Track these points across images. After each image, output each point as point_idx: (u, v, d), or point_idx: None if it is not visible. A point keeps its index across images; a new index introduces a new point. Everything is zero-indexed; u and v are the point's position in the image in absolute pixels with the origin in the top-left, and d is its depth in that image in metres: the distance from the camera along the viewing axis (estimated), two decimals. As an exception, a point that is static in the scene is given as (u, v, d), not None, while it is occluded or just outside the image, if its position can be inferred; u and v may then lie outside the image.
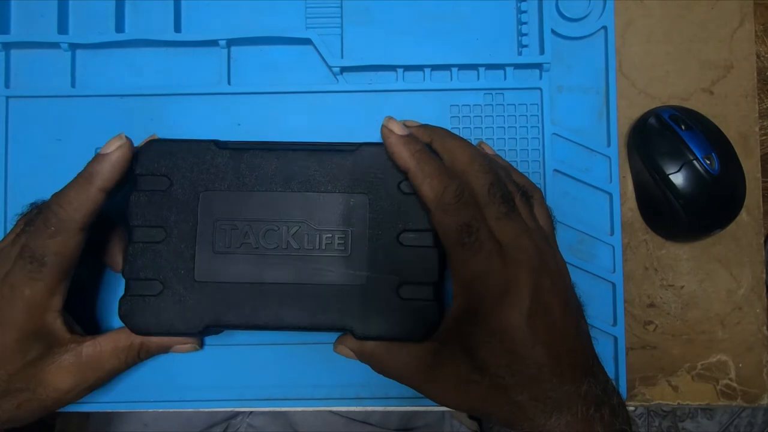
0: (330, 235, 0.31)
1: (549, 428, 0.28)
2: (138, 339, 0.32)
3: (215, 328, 0.32)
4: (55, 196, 0.30)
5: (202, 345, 0.35)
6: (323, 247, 0.31)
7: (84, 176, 0.30)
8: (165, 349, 0.34)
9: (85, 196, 0.30)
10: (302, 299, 0.31)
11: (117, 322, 0.36)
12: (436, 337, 0.31)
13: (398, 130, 0.31)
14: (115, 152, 0.30)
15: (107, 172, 0.30)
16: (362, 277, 0.31)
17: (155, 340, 0.33)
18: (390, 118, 0.32)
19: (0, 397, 0.30)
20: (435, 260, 0.31)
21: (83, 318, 0.36)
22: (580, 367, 0.29)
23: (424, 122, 0.35)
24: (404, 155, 0.30)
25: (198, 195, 0.31)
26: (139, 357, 0.33)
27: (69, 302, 0.32)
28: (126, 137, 0.31)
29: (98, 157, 0.30)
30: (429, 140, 0.32)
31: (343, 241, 0.31)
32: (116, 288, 0.37)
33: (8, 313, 0.30)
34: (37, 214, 0.31)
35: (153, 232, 0.31)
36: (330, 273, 0.31)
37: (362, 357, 0.32)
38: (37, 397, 0.31)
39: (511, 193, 0.31)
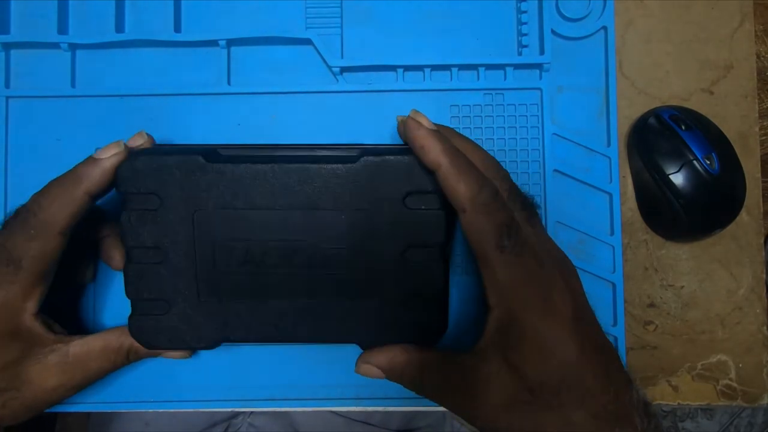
0: (333, 253, 0.30)
1: None
2: (128, 341, 0.32)
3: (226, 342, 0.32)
4: (37, 195, 0.29)
5: (192, 352, 0.35)
6: (326, 264, 0.30)
7: (71, 177, 0.29)
8: (155, 354, 0.33)
9: (69, 199, 0.29)
10: (309, 315, 0.31)
11: (110, 320, 0.37)
12: (475, 352, 0.28)
13: (428, 123, 0.29)
14: (110, 158, 0.29)
15: (97, 176, 0.29)
16: (367, 293, 0.31)
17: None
18: (416, 111, 0.30)
19: None
20: (441, 276, 0.31)
21: (74, 317, 0.36)
22: (623, 372, 0.28)
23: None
24: (436, 150, 0.28)
25: (192, 213, 0.30)
26: (128, 359, 0.33)
27: (59, 302, 0.32)
28: (124, 145, 0.30)
29: (90, 159, 0.29)
30: None
31: (346, 259, 0.30)
32: (109, 286, 0.37)
33: None
34: (16, 216, 0.30)
35: (150, 253, 0.30)
36: (334, 291, 0.31)
37: (392, 375, 0.30)
38: (23, 396, 0.30)
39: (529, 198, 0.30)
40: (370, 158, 0.30)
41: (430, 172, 0.29)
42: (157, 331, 0.31)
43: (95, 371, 0.32)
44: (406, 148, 0.30)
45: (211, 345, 0.32)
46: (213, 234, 0.30)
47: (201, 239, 0.30)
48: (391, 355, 0.30)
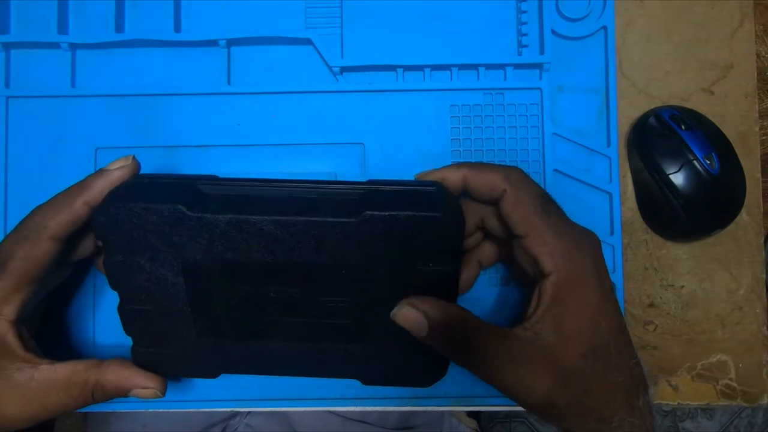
0: (333, 305, 0.29)
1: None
2: (94, 377, 0.29)
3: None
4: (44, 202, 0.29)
5: (164, 393, 0.31)
6: (326, 314, 0.29)
7: (75, 186, 0.29)
8: (123, 393, 0.30)
9: (66, 206, 0.28)
10: (309, 356, 0.31)
11: (110, 335, 0.36)
12: (528, 326, 0.27)
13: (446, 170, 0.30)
14: (116, 171, 0.29)
15: (99, 187, 0.28)
16: (369, 339, 0.30)
17: (112, 381, 0.29)
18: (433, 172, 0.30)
19: None
20: None
21: (54, 331, 0.36)
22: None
23: (423, 122, 0.37)
24: (453, 169, 0.29)
25: (180, 262, 0.28)
26: (93, 398, 0.29)
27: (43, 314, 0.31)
28: (133, 159, 0.29)
29: (99, 171, 0.29)
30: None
31: (347, 310, 0.29)
32: (108, 299, 0.37)
33: None
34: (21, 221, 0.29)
35: (142, 298, 0.29)
36: (335, 337, 0.30)
37: (436, 329, 0.27)
38: None
39: None
40: (374, 213, 0.27)
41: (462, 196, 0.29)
42: (159, 362, 0.31)
43: (54, 405, 0.29)
44: (414, 187, 0.28)
45: (214, 376, 0.32)
46: (206, 281, 0.28)
47: (193, 286, 0.29)
48: (443, 306, 0.28)
